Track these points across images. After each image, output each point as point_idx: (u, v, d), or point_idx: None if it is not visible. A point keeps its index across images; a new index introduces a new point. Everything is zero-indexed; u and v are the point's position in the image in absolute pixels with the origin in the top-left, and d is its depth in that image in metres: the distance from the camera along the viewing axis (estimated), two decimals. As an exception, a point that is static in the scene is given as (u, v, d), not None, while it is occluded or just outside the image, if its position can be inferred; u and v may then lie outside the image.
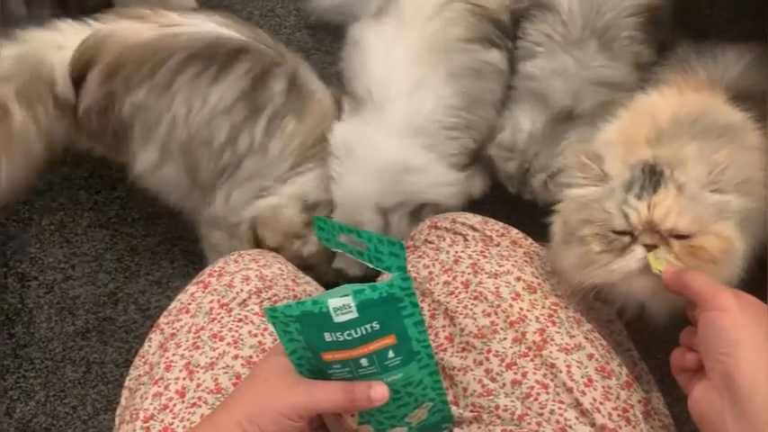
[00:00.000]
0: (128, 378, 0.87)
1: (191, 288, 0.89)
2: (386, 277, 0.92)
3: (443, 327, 0.83)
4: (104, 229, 1.30)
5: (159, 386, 0.77)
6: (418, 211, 1.11)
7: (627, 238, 0.75)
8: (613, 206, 0.75)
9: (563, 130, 1.08)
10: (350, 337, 0.60)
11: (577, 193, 0.80)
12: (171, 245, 1.28)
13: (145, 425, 0.74)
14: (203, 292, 0.87)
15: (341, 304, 0.59)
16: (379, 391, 0.61)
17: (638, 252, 0.74)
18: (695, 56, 0.96)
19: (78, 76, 1.03)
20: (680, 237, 0.73)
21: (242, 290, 0.86)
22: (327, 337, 0.60)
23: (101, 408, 1.20)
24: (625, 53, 1.07)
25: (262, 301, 0.85)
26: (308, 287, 0.93)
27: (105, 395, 1.21)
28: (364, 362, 0.61)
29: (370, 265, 0.64)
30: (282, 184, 1.10)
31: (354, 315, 0.59)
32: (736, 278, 0.76)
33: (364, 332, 0.60)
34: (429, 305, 0.85)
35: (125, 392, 0.86)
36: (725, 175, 0.75)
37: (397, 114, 1.07)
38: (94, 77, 1.02)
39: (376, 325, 0.60)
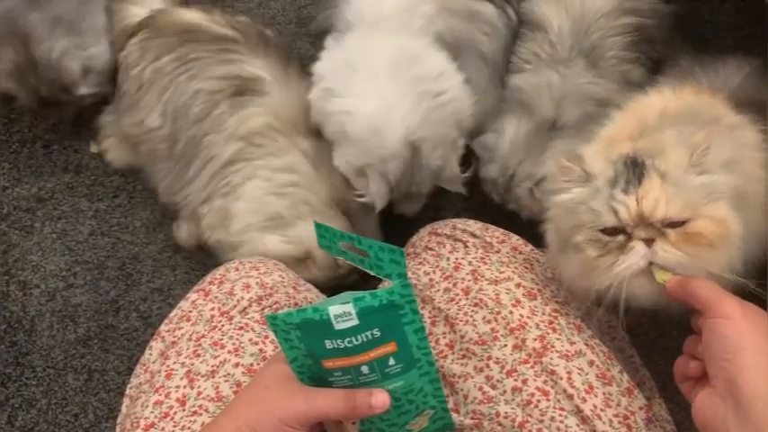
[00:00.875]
0: (128, 386, 0.87)
1: (191, 296, 0.89)
2: (386, 284, 0.92)
3: (444, 334, 0.83)
4: (106, 237, 1.30)
5: (160, 394, 0.77)
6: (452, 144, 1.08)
7: (621, 237, 0.73)
8: (600, 204, 0.74)
9: (547, 139, 1.10)
10: (350, 345, 0.60)
11: (563, 198, 0.79)
12: (173, 252, 1.28)
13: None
14: (204, 299, 0.87)
15: (341, 311, 0.59)
16: (379, 399, 0.61)
17: (639, 248, 0.72)
18: (698, 66, 0.96)
19: (132, 33, 1.21)
20: (674, 225, 0.72)
21: (243, 297, 0.86)
22: (328, 344, 0.60)
23: (102, 416, 1.20)
24: (612, 72, 1.09)
25: (263, 309, 0.85)
26: (309, 294, 0.94)
27: (107, 403, 1.21)
28: (365, 369, 0.61)
29: (371, 273, 0.64)
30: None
31: (355, 322, 0.59)
32: (737, 262, 0.75)
33: (365, 339, 0.60)
34: (429, 312, 0.85)
35: (126, 400, 0.86)
36: (707, 155, 0.73)
37: (386, 28, 1.07)
38: (139, 36, 1.19)
39: (377, 332, 0.60)
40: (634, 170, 0.74)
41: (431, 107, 1.04)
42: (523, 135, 1.11)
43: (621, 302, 0.74)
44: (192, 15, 1.19)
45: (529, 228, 1.21)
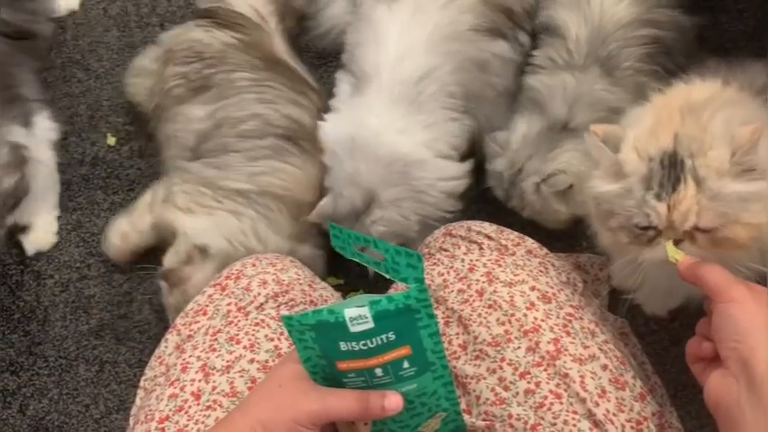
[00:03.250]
0: (143, 378, 0.87)
1: (208, 290, 0.89)
2: (400, 287, 0.92)
3: (457, 334, 0.83)
4: (121, 229, 1.30)
5: (175, 387, 0.77)
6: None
7: (652, 232, 0.75)
8: (633, 205, 0.75)
9: (558, 139, 1.09)
10: (365, 347, 0.60)
11: (599, 189, 0.79)
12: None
13: (160, 426, 0.74)
14: (221, 294, 0.87)
15: (357, 314, 0.58)
16: (392, 401, 0.61)
17: (663, 245, 0.74)
18: (725, 67, 0.95)
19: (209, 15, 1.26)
20: (705, 230, 0.73)
21: (259, 293, 0.86)
22: (343, 346, 0.60)
23: (113, 407, 1.21)
24: (627, 82, 1.09)
25: (278, 306, 0.85)
26: (325, 292, 0.94)
27: (118, 395, 1.21)
28: (379, 372, 0.61)
29: (387, 276, 0.64)
30: None
31: (370, 325, 0.59)
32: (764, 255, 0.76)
33: (380, 342, 0.60)
34: (443, 312, 0.85)
35: (140, 392, 0.86)
36: (751, 154, 0.72)
37: (401, 94, 1.09)
38: (221, 30, 1.23)
39: (392, 335, 0.60)
40: (670, 172, 0.73)
41: (400, 191, 1.10)
42: (535, 132, 1.11)
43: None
44: (284, 49, 1.23)
45: (543, 232, 1.22)
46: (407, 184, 1.10)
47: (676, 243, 0.74)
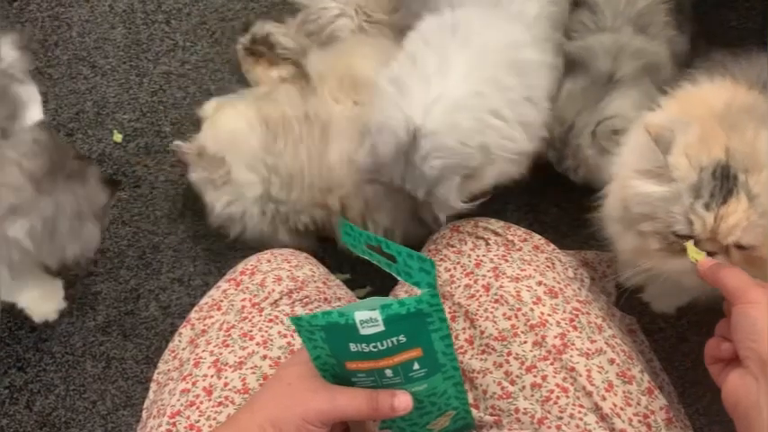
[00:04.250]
0: (156, 371, 0.87)
1: (223, 284, 0.89)
2: (405, 285, 0.92)
3: (464, 329, 0.82)
4: (127, 226, 1.30)
5: (187, 382, 0.77)
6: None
7: (688, 242, 0.74)
8: (679, 211, 0.74)
9: (605, 91, 1.05)
10: (375, 349, 0.59)
11: (643, 189, 0.78)
12: (193, 243, 1.29)
13: (171, 420, 0.74)
14: (236, 289, 0.87)
15: (367, 317, 0.58)
16: (402, 401, 0.61)
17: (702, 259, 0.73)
18: (731, 59, 0.95)
19: None
20: (742, 247, 0.73)
21: (274, 290, 0.86)
22: (352, 347, 0.60)
23: (120, 403, 1.21)
24: (660, 35, 1.07)
25: (293, 302, 0.85)
26: (339, 290, 0.94)
27: (125, 391, 1.21)
28: (389, 373, 0.61)
29: (399, 278, 0.64)
30: None
31: (381, 329, 0.58)
32: None
33: (390, 345, 0.59)
34: (450, 308, 0.84)
35: (153, 386, 0.86)
36: None
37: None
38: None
39: (402, 338, 0.59)
40: (723, 184, 0.73)
41: (466, 120, 0.92)
42: (580, 89, 1.07)
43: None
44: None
45: (550, 229, 1.22)
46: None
47: (710, 254, 0.73)
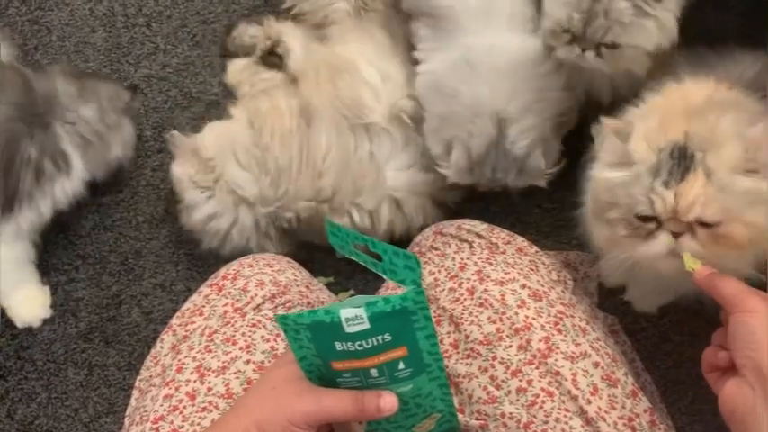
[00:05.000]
0: (138, 378, 0.87)
1: (204, 290, 0.89)
2: (391, 286, 0.92)
3: (448, 333, 0.83)
4: (109, 231, 1.29)
5: (170, 388, 0.77)
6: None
7: (652, 225, 0.75)
8: (640, 192, 0.75)
9: None
10: (360, 348, 0.59)
11: (604, 175, 0.80)
12: (175, 248, 1.28)
13: (154, 426, 0.74)
14: (217, 294, 0.87)
15: (353, 315, 0.58)
16: (388, 401, 0.61)
17: (662, 238, 0.75)
18: (714, 56, 0.96)
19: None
20: (706, 224, 0.73)
21: (256, 294, 0.86)
22: (338, 346, 0.60)
23: (102, 410, 1.20)
24: None
25: (276, 307, 0.85)
26: (322, 294, 0.94)
27: (107, 398, 1.20)
28: (374, 372, 0.61)
29: (385, 276, 0.64)
30: None
31: (366, 326, 0.58)
32: (763, 258, 0.76)
33: (375, 343, 0.59)
34: (434, 311, 0.85)
35: (135, 393, 0.86)
36: (762, 151, 0.73)
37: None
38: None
39: (387, 336, 0.59)
40: (680, 162, 0.74)
41: (527, 94, 1.03)
42: None
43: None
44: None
45: (533, 230, 1.22)
46: (534, 85, 1.05)
47: (676, 237, 0.74)
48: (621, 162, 0.78)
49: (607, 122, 0.80)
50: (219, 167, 1.14)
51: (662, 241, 0.75)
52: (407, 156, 1.15)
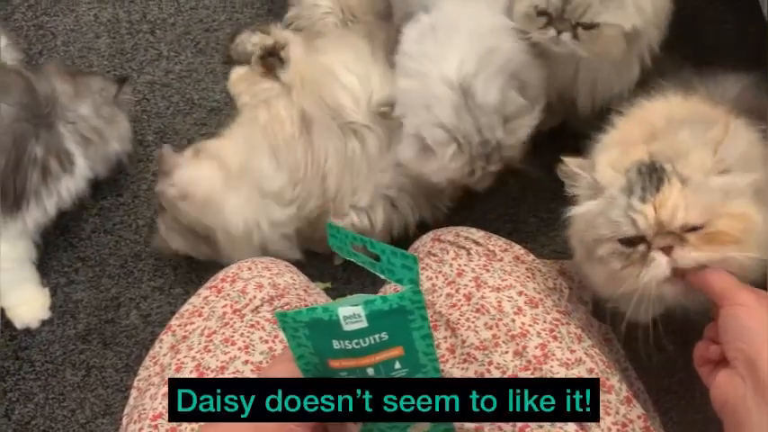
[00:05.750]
0: (137, 378, 0.88)
1: (203, 292, 0.90)
2: (389, 291, 0.93)
3: (445, 338, 0.83)
4: (109, 234, 1.30)
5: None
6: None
7: (642, 247, 0.74)
8: (618, 214, 0.74)
9: None
10: (358, 346, 0.60)
11: (580, 211, 0.80)
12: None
13: (153, 423, 0.75)
14: (216, 296, 0.88)
15: (351, 313, 0.59)
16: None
17: (659, 259, 0.73)
18: (697, 77, 0.97)
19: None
20: (694, 229, 0.73)
21: (255, 296, 0.87)
22: (336, 344, 0.60)
23: (99, 412, 1.20)
24: None
25: (274, 309, 0.86)
26: (320, 298, 0.94)
27: (104, 399, 1.21)
28: (370, 371, 0.61)
29: (383, 277, 0.65)
30: None
31: (364, 324, 0.59)
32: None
33: (372, 342, 0.60)
34: (431, 316, 0.85)
35: (134, 392, 0.87)
36: (729, 149, 0.74)
37: None
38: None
39: (384, 335, 0.60)
40: (651, 176, 0.74)
41: (480, 52, 1.01)
42: None
43: (641, 310, 0.77)
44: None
45: (529, 239, 1.23)
46: (488, 42, 1.02)
47: (667, 252, 0.73)
48: (593, 193, 0.78)
49: (568, 161, 0.81)
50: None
51: (659, 263, 0.73)
52: (393, 154, 1.16)
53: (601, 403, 0.76)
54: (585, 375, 0.77)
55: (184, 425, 0.74)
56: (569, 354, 0.79)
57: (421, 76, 1.03)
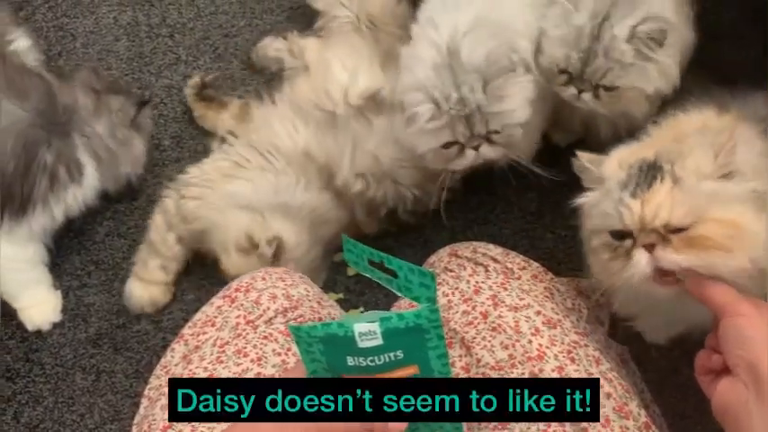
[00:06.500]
0: (147, 387, 0.87)
1: (216, 301, 0.89)
2: (403, 305, 0.92)
3: (460, 356, 0.82)
4: (122, 238, 1.30)
5: None
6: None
7: (629, 242, 0.75)
8: (609, 206, 0.76)
9: None
10: (372, 364, 0.59)
11: (581, 201, 0.82)
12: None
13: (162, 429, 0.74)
14: (230, 306, 0.87)
15: (366, 330, 0.58)
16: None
17: (640, 257, 0.74)
18: (729, 95, 0.96)
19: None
20: (677, 230, 0.73)
21: (268, 308, 0.86)
22: (350, 360, 0.60)
23: (108, 417, 1.20)
24: None
25: (287, 321, 0.85)
26: (333, 311, 0.94)
27: (113, 405, 1.20)
28: None
29: (399, 294, 0.64)
30: None
31: (379, 342, 0.58)
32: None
33: (387, 360, 0.59)
34: (446, 333, 0.84)
35: (144, 401, 0.86)
36: (734, 155, 0.74)
37: None
38: None
39: (400, 354, 0.59)
40: (648, 174, 0.75)
41: (482, 17, 0.98)
42: None
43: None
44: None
45: (547, 257, 1.22)
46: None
47: (650, 249, 0.73)
48: (595, 184, 0.80)
49: (580, 155, 0.82)
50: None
51: (639, 261, 0.74)
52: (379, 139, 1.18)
53: (619, 429, 0.75)
54: (603, 400, 0.76)
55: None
56: (587, 377, 0.78)
57: (417, 40, 1.01)
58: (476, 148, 1.01)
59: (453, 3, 1.01)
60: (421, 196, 1.20)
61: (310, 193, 1.18)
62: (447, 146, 1.00)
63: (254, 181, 1.18)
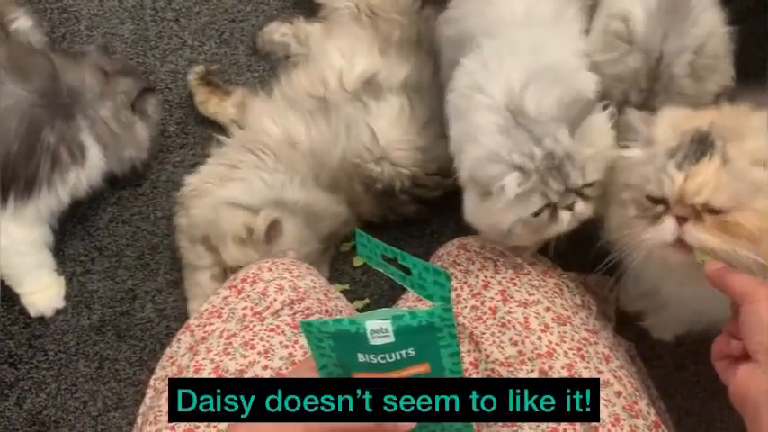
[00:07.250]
0: (153, 377, 0.87)
1: (223, 291, 0.89)
2: (410, 298, 0.92)
3: (468, 351, 0.82)
4: (126, 225, 1.29)
5: None
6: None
7: (661, 208, 0.75)
8: (653, 172, 0.75)
9: (684, 5, 0.90)
10: (383, 361, 0.59)
11: (624, 153, 0.81)
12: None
13: (169, 425, 0.74)
14: (236, 297, 0.87)
15: (378, 327, 0.58)
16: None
17: (668, 224, 0.74)
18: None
19: None
20: (714, 211, 0.72)
21: (275, 299, 0.85)
22: (360, 357, 0.59)
23: (111, 405, 1.19)
24: None
25: (294, 313, 0.85)
26: (339, 303, 0.93)
27: (116, 392, 1.20)
28: None
29: (412, 291, 0.63)
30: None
31: (391, 339, 0.58)
32: None
33: (398, 357, 0.59)
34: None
35: (150, 392, 0.85)
36: None
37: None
38: None
39: (411, 351, 0.59)
40: (698, 147, 0.73)
41: (532, 66, 0.89)
42: (655, 4, 0.90)
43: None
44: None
45: (556, 253, 1.21)
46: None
47: (681, 222, 0.73)
48: (643, 144, 0.79)
49: (631, 111, 0.82)
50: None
51: (667, 227, 0.73)
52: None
53: (629, 428, 0.74)
54: (613, 398, 0.76)
55: (202, 428, 0.73)
56: (596, 374, 0.77)
57: (467, 111, 0.90)
58: (569, 208, 0.88)
59: (496, 63, 0.92)
60: (419, 176, 1.19)
61: (306, 190, 1.17)
62: (537, 213, 0.87)
63: (248, 180, 1.18)
